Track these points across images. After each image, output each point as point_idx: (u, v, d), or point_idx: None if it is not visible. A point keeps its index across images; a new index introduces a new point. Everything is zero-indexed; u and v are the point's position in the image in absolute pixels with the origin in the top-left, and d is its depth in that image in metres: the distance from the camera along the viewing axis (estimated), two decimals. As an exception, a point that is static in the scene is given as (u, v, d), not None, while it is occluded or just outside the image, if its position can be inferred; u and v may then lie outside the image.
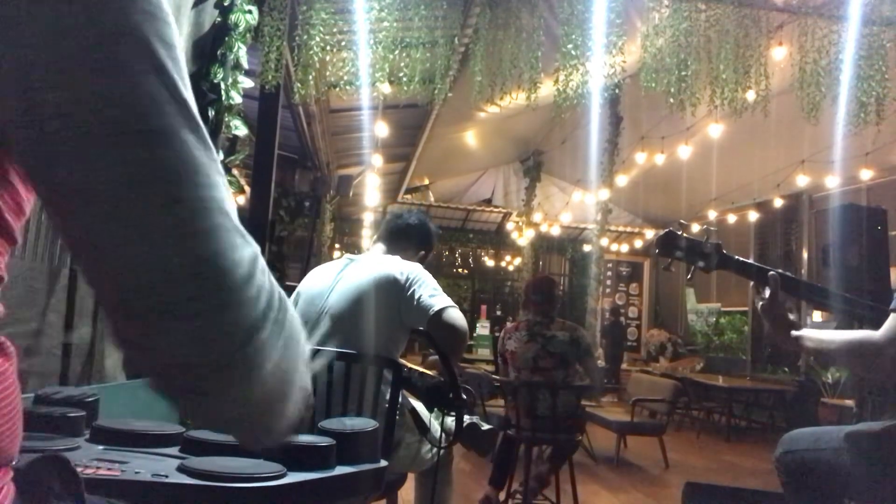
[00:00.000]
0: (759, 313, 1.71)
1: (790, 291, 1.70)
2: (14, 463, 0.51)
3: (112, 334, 0.44)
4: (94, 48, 0.38)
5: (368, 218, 10.79)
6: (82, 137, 0.38)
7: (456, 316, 1.94)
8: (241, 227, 0.45)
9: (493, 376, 4.58)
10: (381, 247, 2.24)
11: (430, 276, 2.07)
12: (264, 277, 0.46)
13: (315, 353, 1.86)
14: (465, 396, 1.73)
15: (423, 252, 2.31)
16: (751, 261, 1.83)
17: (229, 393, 0.46)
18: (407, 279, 2.00)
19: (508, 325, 4.08)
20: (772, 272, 1.69)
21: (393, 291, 1.99)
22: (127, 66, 0.39)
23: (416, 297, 1.96)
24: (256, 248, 0.46)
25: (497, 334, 7.85)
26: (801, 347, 1.65)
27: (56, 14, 0.37)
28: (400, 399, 1.94)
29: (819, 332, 1.65)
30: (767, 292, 1.67)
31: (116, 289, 0.42)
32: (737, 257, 1.77)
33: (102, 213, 0.39)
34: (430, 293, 1.97)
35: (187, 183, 0.41)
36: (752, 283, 1.74)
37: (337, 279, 2.10)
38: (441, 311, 1.92)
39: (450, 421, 2.08)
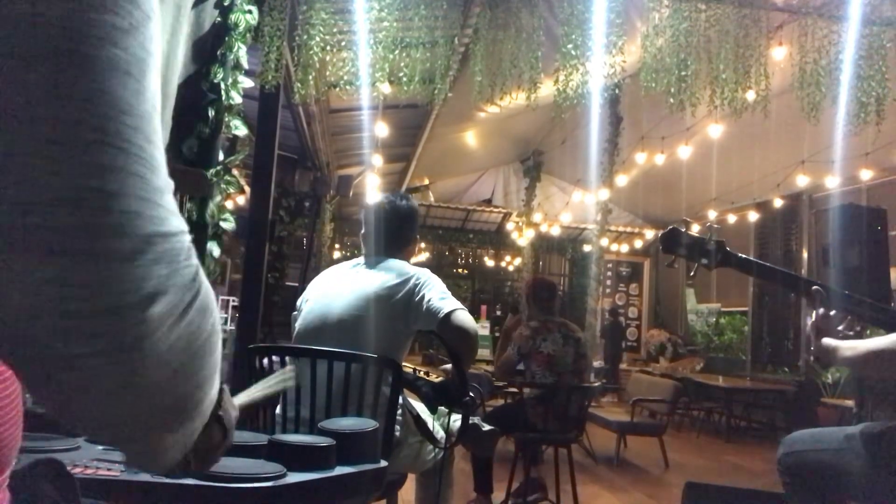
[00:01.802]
0: (809, 332, 1.58)
1: (834, 306, 1.58)
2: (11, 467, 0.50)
3: None
4: None
5: (368, 218, 10.77)
6: (12, 52, 0.37)
7: (465, 319, 1.94)
8: (172, 205, 0.42)
9: (496, 380, 4.56)
10: (380, 247, 2.22)
11: (438, 278, 2.07)
12: (180, 258, 0.42)
13: (318, 354, 1.86)
14: (472, 395, 1.74)
15: (416, 236, 2.30)
16: (752, 258, 1.83)
17: (100, 371, 0.39)
18: (415, 284, 2.01)
19: (534, 324, 3.90)
20: (816, 287, 1.59)
21: (401, 296, 1.99)
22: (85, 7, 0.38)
23: (426, 300, 1.97)
24: (180, 225, 0.42)
25: (497, 334, 7.84)
26: (842, 361, 1.53)
27: None
28: (400, 399, 1.94)
29: (852, 342, 1.52)
30: (817, 309, 1.56)
31: None
32: (740, 255, 1.77)
33: (10, 126, 0.37)
34: (440, 296, 1.97)
35: (114, 119, 0.38)
36: (798, 294, 1.62)
37: (345, 283, 2.09)
38: (450, 314, 1.93)
39: (451, 421, 2.08)
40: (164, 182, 0.41)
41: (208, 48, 3.03)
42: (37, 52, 0.37)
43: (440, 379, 1.88)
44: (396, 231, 2.21)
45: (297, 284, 6.58)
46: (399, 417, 1.96)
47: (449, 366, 2.08)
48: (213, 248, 3.01)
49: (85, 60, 0.38)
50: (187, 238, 0.43)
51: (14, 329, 0.38)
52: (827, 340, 1.54)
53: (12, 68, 0.36)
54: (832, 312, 1.57)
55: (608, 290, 12.16)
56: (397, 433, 1.96)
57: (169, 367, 0.42)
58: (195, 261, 0.44)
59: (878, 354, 1.45)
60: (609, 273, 12.26)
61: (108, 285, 0.38)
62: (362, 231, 2.28)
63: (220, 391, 0.53)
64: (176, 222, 0.42)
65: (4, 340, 0.38)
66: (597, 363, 9.28)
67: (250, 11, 3.18)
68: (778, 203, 8.63)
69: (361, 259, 2.21)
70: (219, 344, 0.48)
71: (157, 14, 0.43)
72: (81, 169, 0.37)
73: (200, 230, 2.93)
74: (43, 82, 0.37)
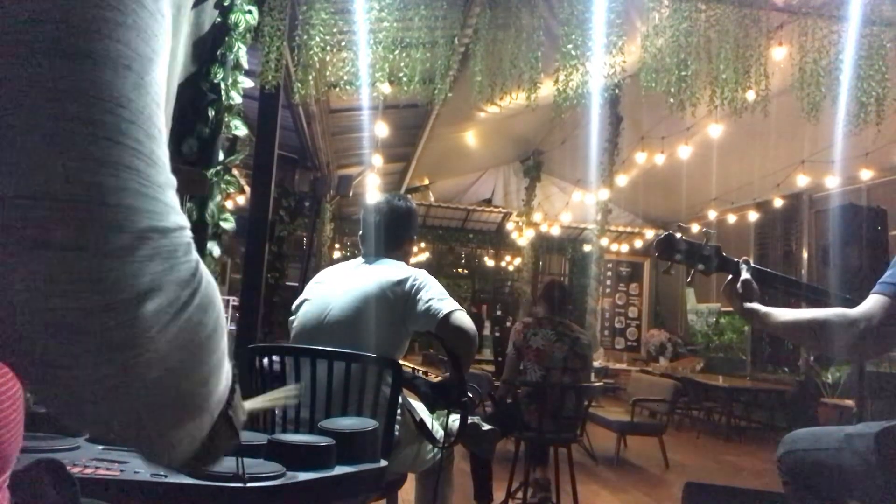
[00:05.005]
0: (723, 293, 1.78)
1: (762, 283, 1.77)
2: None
3: None
4: None
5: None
6: (10, 49, 0.36)
7: (464, 319, 1.95)
8: (173, 201, 0.41)
9: (496, 379, 4.56)
10: (377, 247, 2.22)
11: (434, 279, 2.07)
12: (178, 254, 0.41)
13: (318, 354, 1.86)
14: (471, 395, 1.74)
15: (415, 236, 2.32)
16: (751, 261, 1.83)
17: (94, 370, 0.38)
18: (412, 285, 2.01)
19: (528, 319, 4.03)
20: (744, 258, 1.78)
21: (399, 297, 2.00)
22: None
23: (424, 301, 1.97)
24: (180, 221, 0.41)
25: (497, 334, 7.85)
26: (763, 323, 1.69)
27: None
28: (400, 399, 1.94)
29: (782, 309, 1.68)
30: (742, 276, 1.74)
31: None
32: (737, 259, 1.78)
33: (5, 123, 0.36)
34: (438, 298, 1.98)
35: (111, 113, 0.38)
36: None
37: (342, 283, 2.10)
38: (449, 315, 1.93)
39: (451, 421, 2.08)
40: (165, 178, 0.40)
41: (208, 48, 3.03)
42: (35, 49, 0.36)
43: (438, 379, 1.88)
44: (393, 231, 2.22)
45: (297, 284, 6.58)
46: (399, 417, 1.96)
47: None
48: (213, 248, 3.02)
49: (82, 54, 0.37)
50: (188, 234, 0.42)
51: (4, 326, 0.37)
52: (756, 305, 1.70)
53: (10, 65, 0.36)
54: (749, 281, 1.73)
55: (608, 290, 12.15)
56: (397, 433, 1.96)
57: (167, 364, 0.41)
58: (195, 256, 0.43)
59: (814, 324, 1.59)
60: (609, 273, 12.26)
61: (99, 282, 0.37)
62: (360, 232, 2.29)
63: (233, 391, 0.52)
64: (175, 218, 0.41)
65: None
66: (597, 363, 9.28)
67: (250, 11, 3.19)
68: (778, 203, 8.62)
69: (359, 259, 2.22)
70: (223, 341, 0.46)
71: (167, 17, 0.43)
72: (73, 163, 0.36)
73: (200, 230, 2.93)
74: (40, 77, 0.36)
